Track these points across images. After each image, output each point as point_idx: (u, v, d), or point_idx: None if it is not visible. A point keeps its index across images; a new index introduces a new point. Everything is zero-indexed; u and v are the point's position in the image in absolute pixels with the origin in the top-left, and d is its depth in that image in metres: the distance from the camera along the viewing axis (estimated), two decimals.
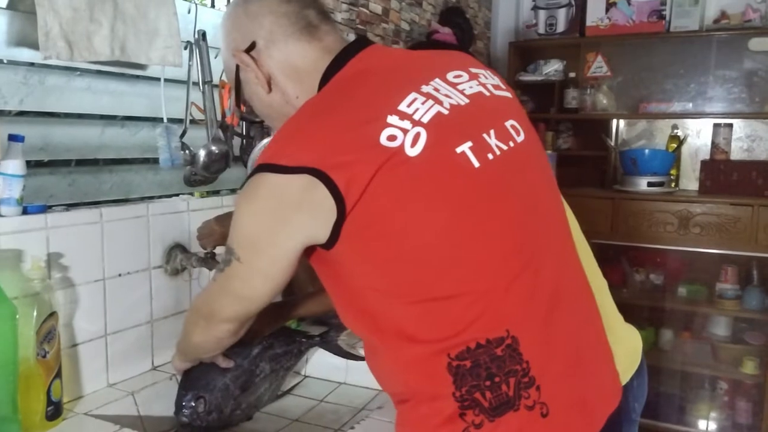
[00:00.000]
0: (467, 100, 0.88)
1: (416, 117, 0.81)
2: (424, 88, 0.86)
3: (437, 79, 0.88)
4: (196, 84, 1.47)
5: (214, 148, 1.48)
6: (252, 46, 0.94)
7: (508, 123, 0.90)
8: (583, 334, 0.91)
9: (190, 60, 1.46)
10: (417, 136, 0.80)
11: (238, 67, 0.97)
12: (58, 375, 1.13)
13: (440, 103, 0.85)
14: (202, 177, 1.50)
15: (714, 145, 2.78)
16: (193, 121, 1.47)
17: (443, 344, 0.80)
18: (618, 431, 0.95)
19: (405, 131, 0.80)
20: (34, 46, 1.14)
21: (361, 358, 1.48)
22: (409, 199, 0.78)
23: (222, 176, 1.54)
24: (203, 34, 1.47)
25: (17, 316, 1.03)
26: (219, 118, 1.54)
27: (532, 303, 0.84)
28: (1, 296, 1.02)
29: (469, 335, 0.79)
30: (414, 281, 0.80)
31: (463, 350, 0.79)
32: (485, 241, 0.82)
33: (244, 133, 1.64)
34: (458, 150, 0.82)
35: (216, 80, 1.52)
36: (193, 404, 1.20)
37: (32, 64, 1.20)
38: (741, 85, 2.79)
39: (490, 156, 0.84)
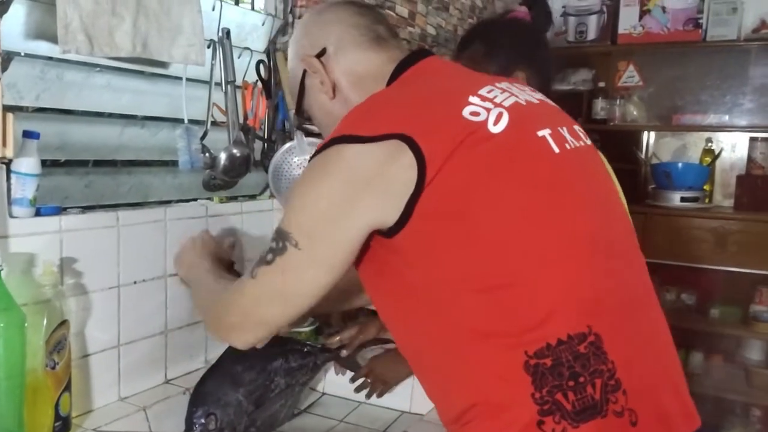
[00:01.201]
0: (537, 101, 0.90)
1: (497, 101, 0.83)
2: (498, 84, 0.88)
3: (506, 82, 0.90)
4: (218, 84, 1.41)
5: (235, 151, 1.42)
6: (322, 53, 0.96)
7: (575, 126, 0.91)
8: (661, 342, 0.84)
9: (213, 59, 1.40)
10: (499, 115, 0.81)
11: (304, 73, 0.99)
12: (68, 388, 1.07)
13: (516, 96, 0.86)
14: (221, 181, 1.44)
15: (750, 159, 2.67)
16: (214, 123, 1.41)
17: (520, 339, 0.74)
18: None
19: (488, 110, 0.81)
20: (52, 39, 1.08)
21: None
22: (489, 175, 0.77)
23: (241, 181, 1.48)
24: (227, 33, 1.41)
25: (26, 324, 0.97)
26: (241, 120, 1.48)
27: (612, 300, 0.79)
28: (9, 302, 0.96)
29: (549, 330, 0.74)
30: (487, 265, 0.76)
31: (542, 347, 0.73)
32: (562, 226, 0.79)
33: (266, 137, 1.57)
34: (539, 134, 0.83)
35: (239, 81, 1.46)
36: (204, 421, 1.13)
37: (50, 59, 1.15)
38: None
39: (567, 146, 0.85)
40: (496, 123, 0.79)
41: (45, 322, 1.02)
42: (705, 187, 2.77)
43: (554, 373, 0.73)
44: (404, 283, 0.82)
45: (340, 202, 0.79)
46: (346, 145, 0.79)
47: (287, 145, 1.52)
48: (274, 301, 0.87)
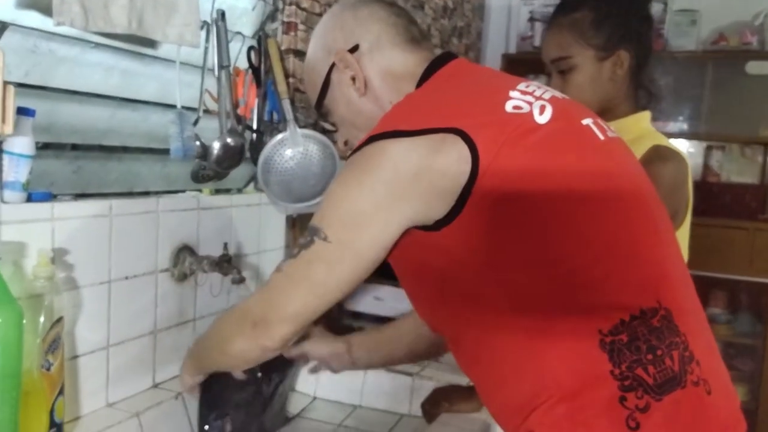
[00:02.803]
0: (562, 97, 0.90)
1: (536, 94, 0.83)
2: (532, 81, 0.89)
3: (535, 81, 0.91)
4: (210, 71, 1.33)
5: (229, 140, 1.34)
6: (355, 48, 0.94)
7: (600, 120, 0.91)
8: (704, 318, 0.86)
9: (206, 42, 1.32)
10: (543, 107, 0.81)
11: (331, 67, 0.95)
12: (62, 392, 0.97)
13: (550, 91, 0.87)
14: (212, 172, 1.35)
15: (706, 167, 2.78)
16: (206, 111, 1.33)
17: (592, 318, 0.74)
18: None
19: (530, 103, 0.81)
20: (46, 10, 0.98)
21: None
22: (543, 162, 0.77)
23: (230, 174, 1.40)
24: (222, 14, 1.33)
25: (24, 321, 0.87)
26: (232, 109, 1.40)
27: (673, 275, 0.81)
28: (6, 296, 0.86)
29: (622, 306, 0.74)
30: (553, 248, 0.75)
31: (616, 323, 0.73)
32: (620, 207, 0.80)
33: (255, 128, 1.50)
34: (583, 123, 0.84)
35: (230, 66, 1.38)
36: (220, 423, 1.05)
37: (42, 32, 1.04)
38: (736, 108, 2.80)
39: (609, 134, 0.86)
40: (541, 114, 0.80)
41: (42, 319, 0.93)
42: None
43: (632, 348, 0.73)
44: (455, 276, 0.79)
45: (382, 200, 0.77)
46: (391, 141, 0.77)
47: (279, 136, 1.45)
48: (299, 291, 0.83)
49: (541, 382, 0.75)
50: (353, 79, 0.94)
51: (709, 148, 2.78)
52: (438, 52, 0.96)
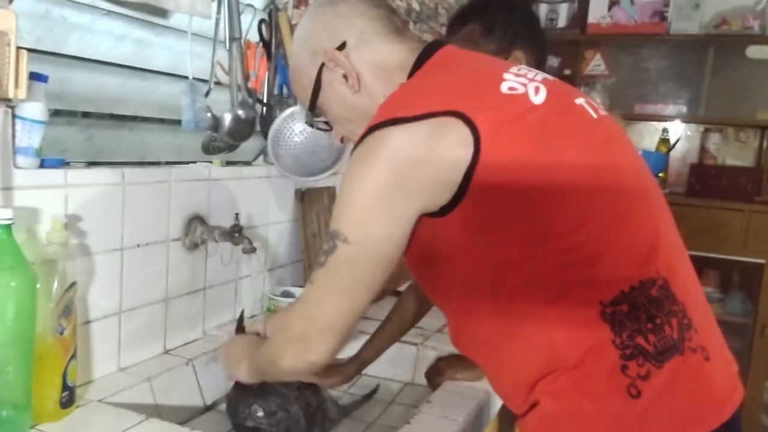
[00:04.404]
0: (553, 78, 0.90)
1: (529, 77, 0.84)
2: (523, 66, 0.90)
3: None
4: (222, 42, 1.33)
5: (240, 112, 1.35)
6: (342, 46, 0.92)
7: (591, 99, 0.92)
8: (700, 287, 0.87)
9: (217, 13, 1.32)
10: (537, 88, 0.82)
11: (321, 68, 0.93)
12: (74, 356, 0.98)
13: (541, 73, 0.88)
14: (223, 144, 1.36)
15: (704, 149, 2.80)
16: (216, 83, 1.33)
17: (594, 291, 0.75)
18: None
19: (524, 84, 0.82)
20: None
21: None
22: (543, 141, 0.78)
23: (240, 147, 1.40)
24: None
25: (38, 285, 0.88)
26: (243, 81, 1.40)
27: (669, 247, 0.81)
28: (20, 261, 0.87)
29: (622, 278, 0.76)
30: (555, 225, 0.76)
31: (617, 294, 0.75)
32: (618, 182, 0.81)
33: (265, 101, 1.50)
34: (576, 102, 0.85)
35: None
36: (248, 411, 1.08)
37: None
38: (735, 91, 2.82)
39: (601, 113, 0.87)
40: (536, 94, 0.81)
41: (55, 284, 0.93)
42: (660, 175, 2.88)
43: (632, 317, 0.74)
44: (460, 259, 0.80)
45: (389, 191, 0.76)
46: (389, 128, 0.76)
47: (289, 110, 1.46)
48: (332, 299, 0.83)
49: (546, 355, 0.76)
50: (345, 77, 0.91)
51: (706, 131, 2.80)
52: (426, 38, 0.95)
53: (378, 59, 0.92)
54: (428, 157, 0.75)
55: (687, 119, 2.88)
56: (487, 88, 0.81)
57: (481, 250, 0.78)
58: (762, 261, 2.61)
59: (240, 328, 1.18)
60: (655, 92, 2.88)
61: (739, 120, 2.84)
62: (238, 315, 1.25)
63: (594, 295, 0.75)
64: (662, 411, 0.73)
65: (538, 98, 0.80)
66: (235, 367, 1.07)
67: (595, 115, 0.85)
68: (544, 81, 0.84)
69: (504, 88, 0.80)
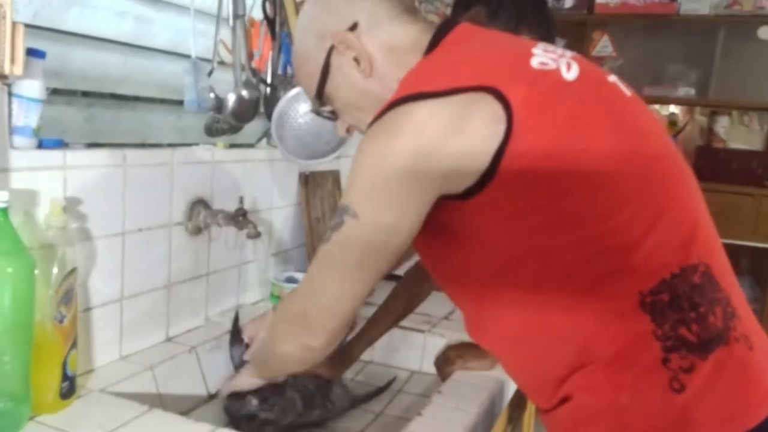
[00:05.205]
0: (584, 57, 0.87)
1: (558, 53, 0.80)
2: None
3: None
4: (225, 20, 1.28)
5: (244, 93, 1.30)
6: (354, 27, 0.86)
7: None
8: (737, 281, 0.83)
9: None
10: (569, 64, 0.78)
11: (330, 51, 0.87)
12: (75, 344, 0.94)
13: (569, 51, 0.84)
14: (226, 126, 1.31)
15: (712, 132, 2.76)
16: (220, 63, 1.29)
17: (631, 280, 0.71)
18: None
19: (555, 60, 0.78)
20: None
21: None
22: (577, 120, 0.74)
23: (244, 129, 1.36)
24: None
25: (36, 271, 0.85)
26: (247, 61, 1.36)
27: (707, 230, 0.78)
28: (18, 245, 0.83)
29: (661, 265, 0.71)
30: (591, 210, 0.72)
31: (657, 284, 0.71)
32: (655, 165, 0.77)
33: (269, 82, 1.46)
34: (609, 79, 0.82)
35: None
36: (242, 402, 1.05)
37: None
38: (745, 73, 2.76)
39: (630, 93, 0.83)
40: (568, 70, 0.77)
41: (55, 269, 0.90)
42: None
43: (674, 306, 0.70)
44: (484, 245, 0.75)
45: (410, 168, 0.71)
46: (414, 103, 0.71)
47: (294, 91, 1.41)
48: (334, 278, 0.79)
49: (579, 348, 0.73)
50: (356, 60, 0.85)
51: (713, 114, 2.75)
52: (431, 19, 0.90)
53: (390, 41, 0.86)
54: (455, 136, 0.70)
55: (696, 102, 2.83)
56: (518, 61, 0.76)
57: (507, 236, 0.73)
58: None
59: (235, 332, 1.15)
60: (664, 74, 2.83)
61: (749, 102, 2.79)
62: (234, 316, 1.22)
63: (631, 284, 0.71)
64: (706, 405, 0.70)
65: (571, 74, 0.76)
66: (238, 382, 1.05)
67: (628, 93, 0.81)
68: (574, 57, 0.80)
69: (534, 62, 0.76)
